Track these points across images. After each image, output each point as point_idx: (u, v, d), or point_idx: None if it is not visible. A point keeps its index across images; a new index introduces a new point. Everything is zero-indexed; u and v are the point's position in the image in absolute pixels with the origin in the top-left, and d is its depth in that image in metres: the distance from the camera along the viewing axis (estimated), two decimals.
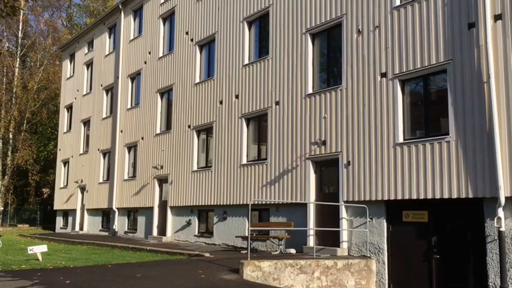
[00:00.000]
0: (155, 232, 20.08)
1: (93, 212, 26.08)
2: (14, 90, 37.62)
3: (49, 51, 41.70)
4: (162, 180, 20.49)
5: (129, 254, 14.31)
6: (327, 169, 13.67)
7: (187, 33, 20.06)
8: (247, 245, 10.50)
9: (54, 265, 11.11)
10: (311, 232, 13.28)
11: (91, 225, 26.15)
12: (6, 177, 36.77)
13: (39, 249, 12.21)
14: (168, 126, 20.68)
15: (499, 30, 10.18)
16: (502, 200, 9.60)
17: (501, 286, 9.61)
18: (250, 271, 9.55)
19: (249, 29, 17.14)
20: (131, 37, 24.32)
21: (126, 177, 23.17)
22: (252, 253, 11.04)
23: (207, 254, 12.85)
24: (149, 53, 22.50)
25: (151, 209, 20.64)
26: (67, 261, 12.01)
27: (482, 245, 10.05)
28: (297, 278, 10.22)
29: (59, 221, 30.21)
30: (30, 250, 12.19)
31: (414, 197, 11.18)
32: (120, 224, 23.12)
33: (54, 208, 30.78)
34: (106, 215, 24.84)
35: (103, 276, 9.23)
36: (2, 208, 36.30)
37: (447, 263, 10.74)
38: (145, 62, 22.71)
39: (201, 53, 19.44)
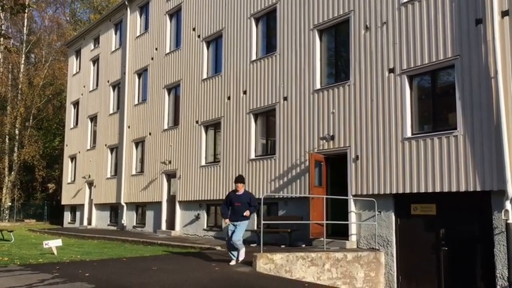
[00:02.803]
0: (164, 226, 20.34)
1: (101, 206, 26.36)
2: (20, 87, 37.87)
3: (54, 47, 41.91)
4: (170, 175, 20.72)
5: (141, 248, 14.57)
6: (336, 163, 13.87)
7: (194, 29, 20.22)
8: (260, 238, 10.75)
9: (70, 259, 11.36)
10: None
11: (99, 220, 26.44)
12: (13, 173, 37.09)
13: (54, 244, 12.47)
14: (176, 121, 20.89)
15: (506, 26, 10.33)
16: (510, 193, 9.80)
17: (508, 277, 9.83)
18: (263, 263, 9.78)
19: (256, 25, 17.30)
20: (138, 33, 24.49)
21: (134, 172, 23.42)
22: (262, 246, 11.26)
23: (219, 248, 13.09)
24: (156, 49, 22.68)
25: (160, 203, 20.89)
26: (82, 255, 12.27)
27: (489, 237, 10.26)
28: (308, 270, 10.45)
29: (67, 215, 30.52)
30: (45, 244, 12.45)
31: (423, 190, 11.39)
32: (128, 218, 23.39)
33: (62, 203, 31.09)
34: (114, 209, 25.12)
35: (119, 269, 9.48)
36: (10, 203, 36.64)
37: (455, 255, 10.96)
38: (152, 58, 22.89)
39: (208, 49, 19.61)
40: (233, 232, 10.07)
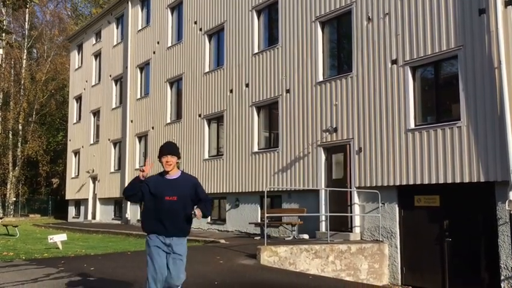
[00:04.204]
0: None
1: (105, 201, 26.44)
2: (22, 82, 37.92)
3: (55, 42, 41.90)
4: None
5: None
6: (339, 155, 13.86)
7: (195, 22, 20.16)
8: (264, 231, 10.77)
9: (75, 253, 11.42)
10: (324, 218, 13.50)
11: (103, 214, 26.55)
12: (17, 168, 37.22)
13: (59, 238, 12.52)
14: (178, 115, 20.89)
15: (510, 15, 10.26)
16: None
17: None
18: (267, 256, 9.81)
19: (258, 18, 17.23)
20: (139, 27, 24.45)
21: (137, 166, 23.46)
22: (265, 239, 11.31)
23: (222, 241, 13.13)
24: (158, 43, 22.65)
25: None
26: (87, 249, 12.32)
27: (493, 227, 10.24)
28: (312, 262, 10.48)
29: (71, 210, 30.67)
30: (50, 239, 12.50)
31: (426, 181, 11.37)
32: (132, 212, 23.44)
33: (66, 198, 31.23)
34: (118, 204, 25.19)
35: (124, 263, 9.51)
36: (15, 199, 36.80)
37: (459, 245, 10.96)
38: (154, 52, 22.86)
39: (210, 42, 19.57)
40: (165, 261, 4.94)
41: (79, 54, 31.73)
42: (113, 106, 26.35)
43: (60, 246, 12.41)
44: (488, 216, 10.40)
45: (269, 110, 16.39)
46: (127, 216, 23.57)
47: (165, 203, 4.91)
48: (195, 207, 4.96)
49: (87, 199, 28.04)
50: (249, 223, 15.64)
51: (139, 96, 23.99)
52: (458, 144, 10.84)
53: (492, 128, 10.30)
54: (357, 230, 12.97)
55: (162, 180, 5.03)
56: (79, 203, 29.72)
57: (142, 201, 5.08)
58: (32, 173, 40.15)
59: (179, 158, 5.07)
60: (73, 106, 31.75)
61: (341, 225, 13.16)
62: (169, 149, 5.05)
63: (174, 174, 5.04)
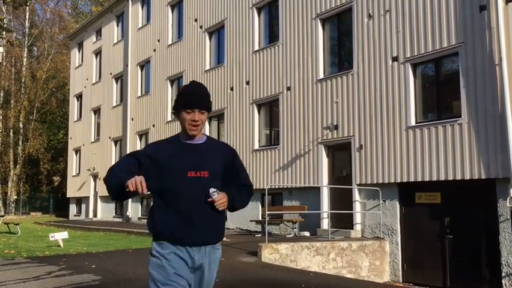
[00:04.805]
0: None
1: (106, 199, 26.44)
2: (23, 80, 37.92)
3: (56, 40, 41.89)
4: None
5: (146, 239, 14.62)
6: (340, 153, 13.87)
7: (196, 20, 20.14)
8: (265, 229, 10.78)
9: (77, 251, 11.43)
10: (325, 215, 13.51)
11: (104, 212, 26.58)
12: (18, 166, 37.26)
13: (60, 236, 12.54)
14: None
15: (511, 12, 10.24)
16: None
17: None
18: (268, 253, 9.82)
19: (259, 15, 17.21)
20: (140, 25, 24.43)
21: None
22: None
23: (223, 238, 13.12)
24: (158, 40, 22.63)
25: None
26: (88, 247, 12.33)
27: (494, 224, 10.24)
28: (314, 259, 10.49)
29: (73, 208, 30.69)
30: (52, 237, 12.52)
31: (427, 179, 11.36)
32: (133, 210, 23.49)
33: (68, 196, 31.24)
34: (119, 201, 25.20)
35: (125, 261, 9.53)
36: (16, 197, 36.85)
37: (460, 243, 10.96)
38: (154, 50, 22.85)
39: (210, 40, 19.55)
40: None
41: (79, 52, 31.72)
42: (114, 104, 26.34)
43: (61, 244, 12.43)
44: (489, 213, 10.40)
45: (270, 108, 16.39)
46: (128, 214, 23.61)
47: (186, 181, 2.75)
48: (213, 191, 2.72)
49: (88, 197, 28.07)
50: (250, 221, 15.64)
51: (139, 94, 23.99)
52: (459, 141, 10.84)
53: (493, 125, 10.29)
54: (358, 227, 12.98)
55: (178, 145, 2.86)
56: (80, 201, 29.75)
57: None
58: (33, 171, 40.18)
59: (209, 113, 2.92)
60: (73, 104, 31.76)
61: (342, 222, 13.18)
62: (200, 98, 2.82)
63: (201, 138, 2.92)
